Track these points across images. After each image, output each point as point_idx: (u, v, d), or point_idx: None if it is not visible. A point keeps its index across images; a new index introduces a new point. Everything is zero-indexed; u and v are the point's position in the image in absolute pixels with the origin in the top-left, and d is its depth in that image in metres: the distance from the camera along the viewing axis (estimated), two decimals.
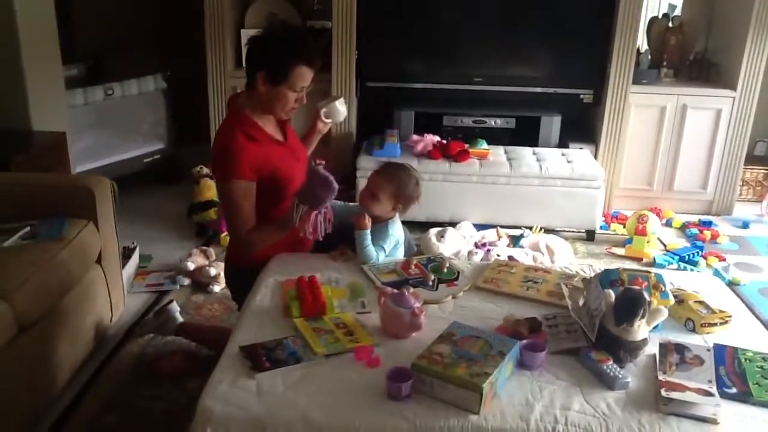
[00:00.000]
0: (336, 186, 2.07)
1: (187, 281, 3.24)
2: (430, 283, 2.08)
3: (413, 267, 2.18)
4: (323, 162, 2.11)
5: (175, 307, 2.74)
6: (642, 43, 4.41)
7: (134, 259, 3.32)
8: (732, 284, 3.35)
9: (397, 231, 2.38)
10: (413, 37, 4.25)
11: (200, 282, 3.22)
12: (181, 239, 3.76)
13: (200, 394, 1.56)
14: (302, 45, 2.17)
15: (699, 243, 3.90)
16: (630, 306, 1.68)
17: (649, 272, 1.99)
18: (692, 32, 4.45)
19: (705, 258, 3.69)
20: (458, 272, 2.17)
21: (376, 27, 4.15)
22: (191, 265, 3.24)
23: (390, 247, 2.34)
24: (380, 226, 2.34)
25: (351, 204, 2.62)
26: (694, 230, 4.07)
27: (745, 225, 4.24)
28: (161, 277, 3.29)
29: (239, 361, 1.66)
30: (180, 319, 2.71)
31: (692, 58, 4.46)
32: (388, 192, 2.33)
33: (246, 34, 4.08)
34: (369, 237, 2.26)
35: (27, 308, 2.12)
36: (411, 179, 2.40)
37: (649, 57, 4.39)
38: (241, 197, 2.19)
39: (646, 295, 1.71)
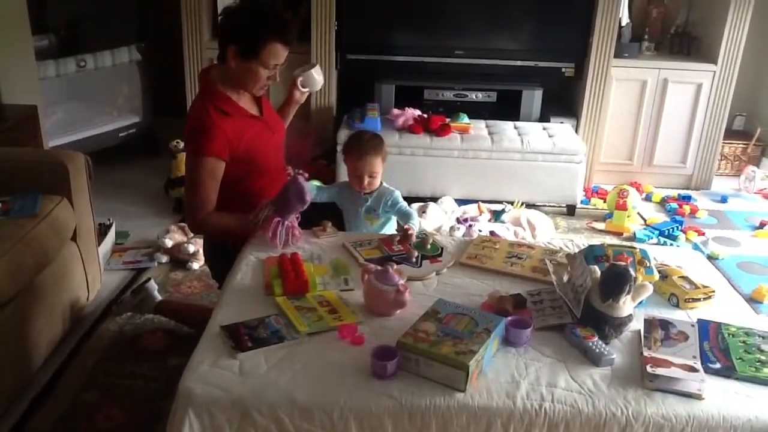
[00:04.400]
0: (308, 200, 2.06)
1: (165, 258, 3.19)
2: (414, 259, 2.06)
3: (397, 243, 2.15)
4: (305, 174, 2.07)
5: (153, 286, 2.69)
6: (623, 16, 4.38)
7: (110, 236, 3.26)
8: (711, 258, 3.37)
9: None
10: (394, 8, 4.18)
11: (179, 259, 3.17)
12: (159, 215, 3.70)
13: (180, 372, 1.53)
14: (277, 21, 2.10)
15: (678, 217, 3.92)
16: (616, 282, 1.67)
17: (634, 248, 1.98)
18: (674, 5, 4.43)
19: (684, 232, 3.71)
20: (442, 248, 2.15)
21: None
22: (169, 242, 3.19)
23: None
24: (383, 196, 2.44)
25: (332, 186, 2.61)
26: (674, 205, 4.09)
27: (724, 199, 4.27)
28: (138, 254, 3.24)
29: (221, 341, 1.63)
30: (158, 297, 2.67)
31: (673, 31, 4.45)
32: (380, 162, 2.41)
33: (222, 3, 3.99)
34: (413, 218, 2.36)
35: (1, 286, 2.07)
36: (381, 139, 2.48)
37: (631, 30, 4.36)
38: (207, 175, 2.14)
39: (631, 271, 1.70)
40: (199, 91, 2.30)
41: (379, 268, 1.83)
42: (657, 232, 3.67)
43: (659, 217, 3.94)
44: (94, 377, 2.38)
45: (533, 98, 4.23)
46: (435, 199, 3.77)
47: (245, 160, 2.21)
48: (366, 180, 2.40)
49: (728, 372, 1.60)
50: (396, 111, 4.03)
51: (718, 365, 1.62)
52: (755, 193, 4.40)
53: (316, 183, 3.78)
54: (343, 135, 3.78)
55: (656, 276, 1.92)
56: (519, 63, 4.20)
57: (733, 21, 4.08)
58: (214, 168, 2.14)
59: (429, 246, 2.15)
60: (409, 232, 2.15)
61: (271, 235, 2.05)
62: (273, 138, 2.35)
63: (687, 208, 4.03)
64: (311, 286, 1.86)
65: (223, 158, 2.15)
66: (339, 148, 3.77)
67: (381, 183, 2.47)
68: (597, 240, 3.53)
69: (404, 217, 2.39)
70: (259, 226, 2.07)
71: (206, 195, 2.16)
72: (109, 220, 3.33)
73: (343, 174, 3.73)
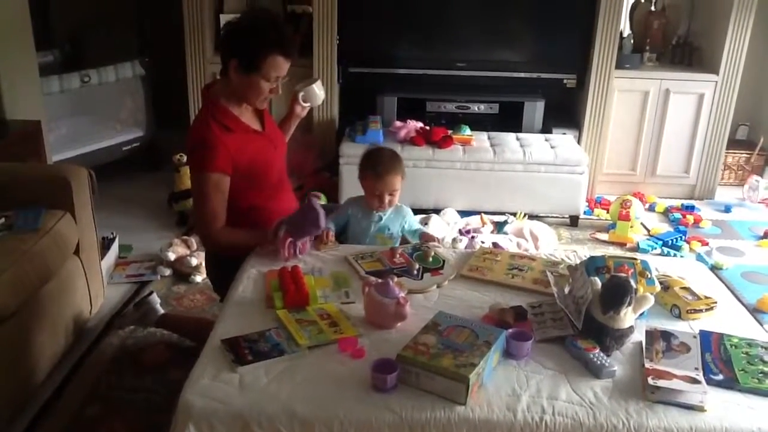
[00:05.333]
0: (322, 226, 2.09)
1: (168, 271, 3.20)
2: (415, 272, 2.06)
3: (398, 256, 2.15)
4: (319, 195, 2.09)
5: (156, 299, 2.70)
6: (625, 27, 4.40)
7: (114, 250, 3.27)
8: (715, 268, 3.37)
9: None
10: (396, 21, 4.21)
11: (181, 272, 3.17)
12: (162, 228, 3.71)
13: (182, 386, 1.53)
14: (277, 33, 2.10)
15: (682, 227, 3.91)
16: (616, 293, 1.67)
17: (635, 259, 1.98)
18: (675, 16, 4.44)
19: (688, 242, 3.70)
20: (443, 261, 2.14)
21: (358, 11, 4.10)
22: (172, 255, 3.20)
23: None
24: (398, 216, 2.45)
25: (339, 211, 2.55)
26: (677, 215, 4.08)
27: (727, 209, 4.26)
28: (141, 268, 3.25)
29: (221, 355, 1.63)
30: (161, 310, 2.67)
31: (675, 42, 4.46)
32: (400, 180, 2.38)
33: (225, 18, 4.01)
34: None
35: (4, 300, 2.08)
36: (399, 156, 2.44)
37: (632, 41, 4.37)
38: (212, 191, 2.15)
39: (632, 282, 1.70)
40: (202, 106, 2.31)
41: (380, 281, 1.82)
42: (660, 242, 3.66)
43: (663, 228, 3.93)
44: (96, 391, 2.38)
45: (535, 110, 4.24)
46: (437, 211, 3.77)
47: (247, 175, 2.21)
48: (387, 199, 2.35)
49: (731, 384, 1.59)
50: (398, 123, 4.04)
51: (720, 377, 1.61)
52: (759, 202, 4.39)
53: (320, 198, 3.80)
54: (345, 147, 3.80)
55: (657, 287, 1.91)
56: (521, 75, 4.22)
57: (734, 31, 4.09)
58: (219, 182, 2.15)
59: (431, 258, 2.14)
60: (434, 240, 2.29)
61: (284, 254, 2.05)
62: (275, 152, 2.35)
63: (690, 218, 4.02)
64: (312, 299, 1.86)
65: (227, 173, 2.16)
66: (341, 160, 3.79)
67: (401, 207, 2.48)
68: (600, 251, 3.53)
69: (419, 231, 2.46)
70: (272, 243, 2.07)
71: (215, 210, 2.17)
72: (112, 233, 3.34)
73: (345, 186, 3.76)
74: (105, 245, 3.17)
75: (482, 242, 3.34)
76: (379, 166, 2.34)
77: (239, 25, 2.14)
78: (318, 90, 2.45)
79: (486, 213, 3.77)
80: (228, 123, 2.18)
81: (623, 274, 1.80)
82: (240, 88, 2.17)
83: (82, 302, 2.65)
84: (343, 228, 2.45)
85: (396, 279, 1.88)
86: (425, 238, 2.35)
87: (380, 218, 2.41)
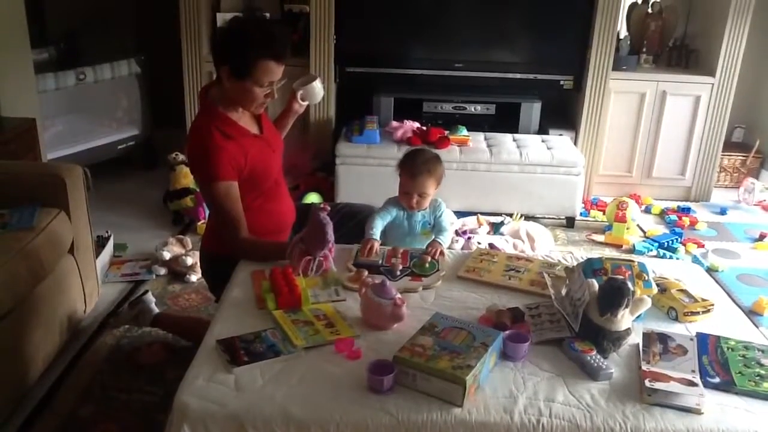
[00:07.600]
0: (330, 240, 1.99)
1: (163, 271, 3.18)
2: (398, 273, 2.05)
3: (399, 256, 2.14)
4: (328, 208, 2.03)
5: (151, 298, 2.68)
6: (622, 29, 4.40)
7: (108, 248, 3.25)
8: (710, 271, 3.37)
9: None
10: (393, 21, 4.20)
11: (177, 271, 3.16)
12: (157, 227, 3.70)
13: (177, 386, 1.52)
14: (266, 38, 2.07)
15: (678, 229, 3.92)
16: (614, 296, 1.66)
17: (632, 261, 1.98)
18: (672, 18, 4.44)
19: (684, 244, 3.70)
20: (436, 270, 2.10)
21: (355, 11, 4.09)
22: (167, 254, 3.18)
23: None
24: (434, 207, 2.42)
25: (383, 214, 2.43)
26: (673, 217, 4.09)
27: (723, 211, 4.27)
28: (137, 267, 3.23)
29: (217, 355, 1.62)
30: (156, 310, 2.66)
31: (671, 44, 4.46)
32: (434, 183, 2.37)
33: (222, 17, 4.01)
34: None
35: None
36: (438, 160, 2.42)
37: (629, 43, 4.37)
38: (225, 199, 2.15)
39: (629, 284, 1.69)
40: (200, 111, 2.28)
41: (377, 282, 1.82)
42: (656, 244, 3.67)
43: (659, 229, 3.93)
44: (90, 391, 2.36)
45: (532, 111, 4.24)
46: None
47: (247, 179, 2.21)
48: (415, 199, 2.35)
49: (727, 386, 1.59)
50: (395, 123, 4.03)
51: (717, 379, 1.61)
52: (754, 204, 4.40)
53: (315, 196, 3.80)
54: (341, 147, 3.80)
55: (655, 289, 1.91)
56: (518, 75, 4.21)
57: (731, 33, 4.09)
58: (228, 190, 2.15)
59: (427, 265, 2.11)
60: (438, 249, 2.21)
61: (302, 272, 1.98)
62: (273, 155, 2.35)
63: (686, 220, 4.03)
64: (304, 300, 1.85)
65: (234, 179, 2.16)
66: (338, 160, 3.78)
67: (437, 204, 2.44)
68: (596, 252, 3.53)
69: (439, 230, 2.38)
70: (291, 261, 2.01)
71: (234, 216, 2.16)
72: (107, 232, 3.32)
73: (342, 186, 3.76)
74: (100, 244, 3.16)
75: (478, 243, 3.33)
76: (412, 165, 2.35)
77: (228, 31, 2.11)
78: (317, 89, 2.43)
79: (482, 214, 3.77)
80: (228, 130, 2.17)
81: (620, 277, 1.79)
82: (234, 95, 2.16)
83: (77, 301, 2.64)
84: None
85: (366, 273, 1.92)
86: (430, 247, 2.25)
87: (423, 216, 2.41)
